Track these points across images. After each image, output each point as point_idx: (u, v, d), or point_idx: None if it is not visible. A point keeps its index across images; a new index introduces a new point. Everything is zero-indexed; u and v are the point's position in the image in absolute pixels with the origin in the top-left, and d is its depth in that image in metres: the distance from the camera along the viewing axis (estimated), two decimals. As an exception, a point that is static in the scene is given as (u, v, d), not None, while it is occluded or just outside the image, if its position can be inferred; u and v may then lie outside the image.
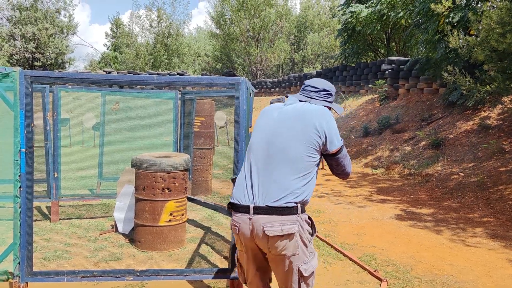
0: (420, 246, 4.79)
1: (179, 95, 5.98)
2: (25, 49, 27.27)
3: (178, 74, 24.09)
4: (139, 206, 4.53)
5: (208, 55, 36.20)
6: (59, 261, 4.13)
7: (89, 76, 3.35)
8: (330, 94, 2.28)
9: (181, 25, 34.70)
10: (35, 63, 27.74)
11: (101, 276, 3.00)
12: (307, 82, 2.32)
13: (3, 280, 3.02)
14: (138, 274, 3.02)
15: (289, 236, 1.96)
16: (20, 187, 2.96)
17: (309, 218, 2.09)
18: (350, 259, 4.31)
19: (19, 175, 2.96)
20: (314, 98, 2.24)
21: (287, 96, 2.29)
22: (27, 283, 2.98)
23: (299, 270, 2.02)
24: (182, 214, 4.63)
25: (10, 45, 27.00)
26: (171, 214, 4.48)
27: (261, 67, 28.02)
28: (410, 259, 4.36)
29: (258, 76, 27.89)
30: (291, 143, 2.02)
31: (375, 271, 3.91)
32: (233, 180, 2.22)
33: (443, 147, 9.03)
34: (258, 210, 1.96)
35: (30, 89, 2.97)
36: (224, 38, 28.85)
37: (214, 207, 5.31)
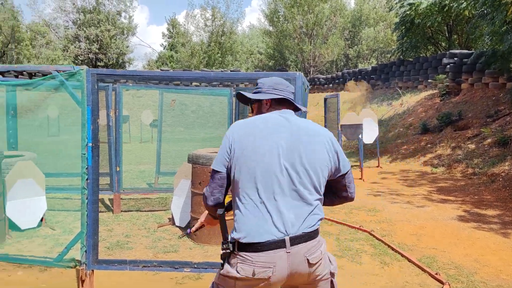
0: (485, 249, 4.52)
1: (234, 92, 6.05)
2: (89, 50, 28.87)
3: (231, 71, 24.42)
4: (196, 200, 4.64)
5: (261, 52, 36.36)
6: (121, 251, 4.33)
7: (150, 73, 3.47)
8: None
9: (234, 23, 35.08)
10: (98, 63, 29.28)
11: (161, 267, 3.10)
12: (283, 82, 2.00)
13: (71, 267, 3.21)
14: (195, 266, 3.10)
15: (323, 255, 1.83)
16: (87, 179, 3.14)
17: None
18: (409, 260, 4.15)
19: (86, 168, 3.13)
20: (292, 100, 2.00)
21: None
22: (93, 270, 3.16)
23: (332, 282, 1.90)
24: (237, 209, 4.68)
25: (75, 47, 28.71)
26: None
27: (314, 64, 27.73)
28: (474, 263, 4.12)
29: (311, 73, 27.61)
30: (309, 163, 1.79)
31: (436, 274, 3.74)
32: (221, 216, 1.83)
33: (511, 145, 8.45)
34: (296, 240, 1.71)
35: (96, 87, 3.13)
36: (277, 35, 28.84)
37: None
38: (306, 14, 26.17)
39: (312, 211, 1.77)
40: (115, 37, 29.96)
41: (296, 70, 29.00)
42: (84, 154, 3.12)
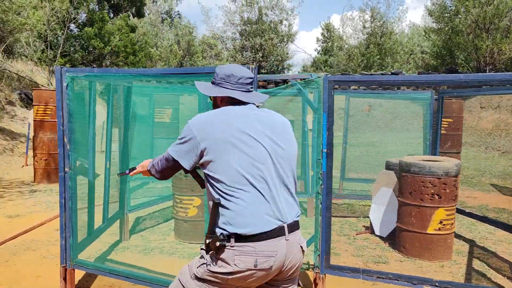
0: None
1: (435, 95, 5.61)
2: (253, 59, 30.91)
3: (392, 74, 23.22)
4: (405, 210, 4.40)
5: (426, 51, 33.87)
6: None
7: (378, 78, 3.38)
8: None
9: (395, 23, 33.45)
10: (261, 70, 31.10)
11: (397, 280, 2.96)
12: (237, 73, 1.86)
13: (304, 269, 3.31)
14: (436, 284, 2.87)
15: None
16: (321, 185, 3.18)
17: None
18: None
19: (321, 173, 3.18)
20: (252, 92, 1.92)
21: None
22: (325, 274, 3.19)
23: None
24: (452, 224, 4.29)
25: (242, 56, 31.05)
26: (440, 222, 4.21)
27: (491, 61, 24.58)
28: None
29: (488, 72, 24.51)
30: (288, 154, 1.82)
31: None
32: (214, 206, 1.74)
33: None
34: (291, 228, 1.72)
35: (332, 93, 3.16)
36: (446, 32, 26.45)
37: (485, 219, 4.81)
38: (483, 6, 23.38)
39: (294, 200, 1.80)
40: (276, 45, 31.45)
41: (467, 69, 26.18)
42: (319, 159, 3.18)
